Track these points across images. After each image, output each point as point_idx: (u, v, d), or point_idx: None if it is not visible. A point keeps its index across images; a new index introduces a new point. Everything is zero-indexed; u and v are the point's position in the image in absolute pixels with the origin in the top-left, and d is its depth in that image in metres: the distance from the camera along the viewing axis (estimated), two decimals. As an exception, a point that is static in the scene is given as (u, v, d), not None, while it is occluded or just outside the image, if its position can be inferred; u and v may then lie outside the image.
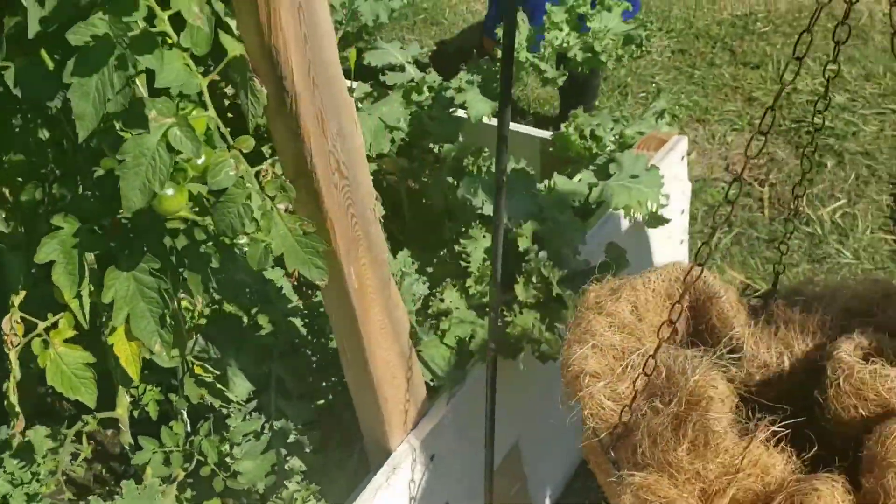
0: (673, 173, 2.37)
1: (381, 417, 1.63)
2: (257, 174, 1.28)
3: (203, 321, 1.73)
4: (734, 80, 3.74)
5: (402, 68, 2.55)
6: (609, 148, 2.49)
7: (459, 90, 2.12)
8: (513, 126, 2.68)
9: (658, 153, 2.35)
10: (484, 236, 1.89)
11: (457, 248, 1.87)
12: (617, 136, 2.49)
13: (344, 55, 2.61)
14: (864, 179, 3.13)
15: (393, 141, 2.30)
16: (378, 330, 1.52)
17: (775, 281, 1.58)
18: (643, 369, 1.26)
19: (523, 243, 1.80)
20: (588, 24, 2.06)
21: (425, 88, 2.37)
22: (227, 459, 1.81)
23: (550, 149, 2.63)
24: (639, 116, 2.66)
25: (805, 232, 2.95)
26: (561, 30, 2.07)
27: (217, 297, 1.72)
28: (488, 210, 1.91)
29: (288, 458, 1.82)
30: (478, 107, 2.13)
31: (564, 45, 2.06)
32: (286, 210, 1.30)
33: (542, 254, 1.80)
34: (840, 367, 1.27)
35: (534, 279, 1.78)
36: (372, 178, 1.45)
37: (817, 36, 3.94)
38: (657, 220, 2.20)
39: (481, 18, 4.48)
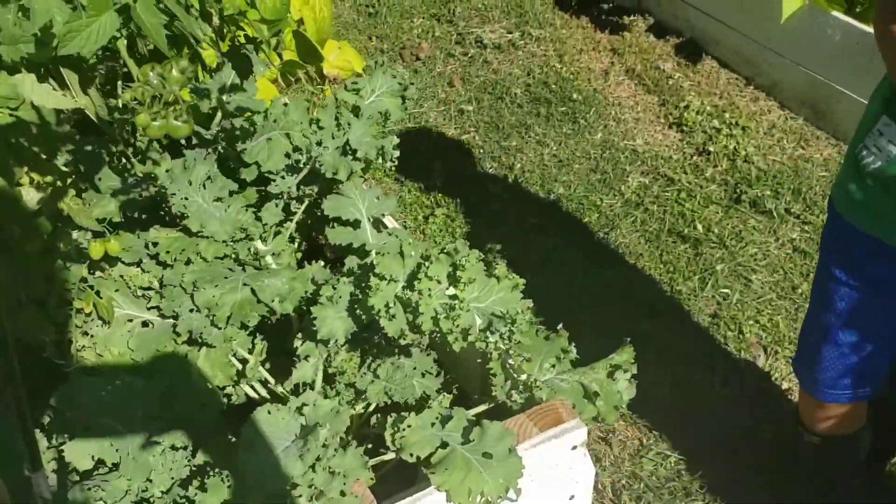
0: (556, 461, 2.01)
1: None
2: None
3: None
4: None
5: (356, 224, 2.36)
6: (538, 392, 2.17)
7: (316, 302, 1.93)
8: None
9: (545, 433, 2.00)
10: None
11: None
12: (533, 381, 2.14)
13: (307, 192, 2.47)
14: None
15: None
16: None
17: None
18: None
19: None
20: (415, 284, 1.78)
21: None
22: None
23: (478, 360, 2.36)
24: (589, 364, 2.29)
25: None
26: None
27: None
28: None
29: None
30: (331, 325, 1.93)
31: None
32: None
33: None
34: None
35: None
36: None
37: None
38: (484, 517, 1.90)
39: (625, 129, 4.06)
